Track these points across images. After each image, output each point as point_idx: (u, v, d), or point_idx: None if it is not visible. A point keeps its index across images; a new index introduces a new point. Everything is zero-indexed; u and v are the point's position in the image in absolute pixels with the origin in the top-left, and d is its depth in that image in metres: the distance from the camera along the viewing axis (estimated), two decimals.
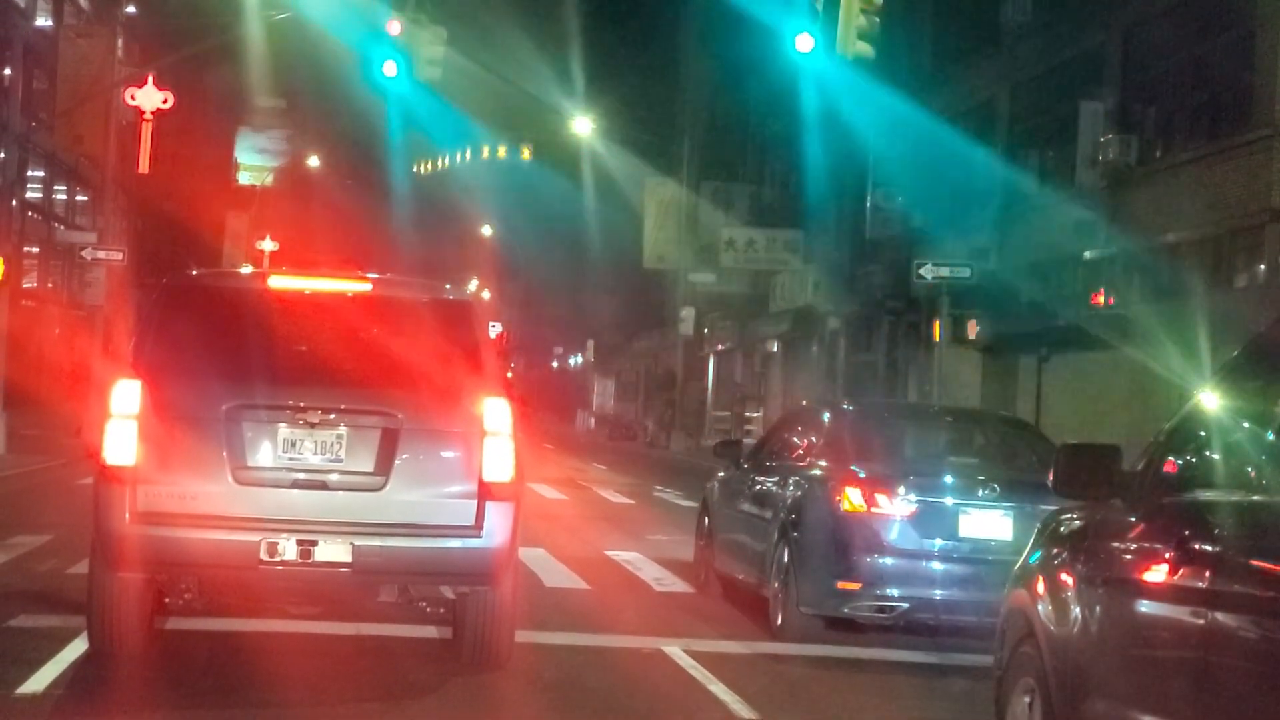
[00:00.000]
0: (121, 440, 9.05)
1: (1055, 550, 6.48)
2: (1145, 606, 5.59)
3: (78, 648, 9.74)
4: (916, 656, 11.32)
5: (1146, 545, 5.73)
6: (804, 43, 21.70)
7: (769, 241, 49.61)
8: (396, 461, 9.20)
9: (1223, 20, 28.28)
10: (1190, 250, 29.07)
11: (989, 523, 11.26)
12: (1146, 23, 31.20)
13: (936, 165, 39.50)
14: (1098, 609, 5.89)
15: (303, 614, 11.53)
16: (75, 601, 11.68)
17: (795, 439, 13.35)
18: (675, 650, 10.71)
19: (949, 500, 11.41)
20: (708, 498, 14.62)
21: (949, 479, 11.71)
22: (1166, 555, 5.48)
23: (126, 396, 9.13)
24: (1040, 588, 6.47)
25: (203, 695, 8.83)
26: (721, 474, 14.63)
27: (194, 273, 11.28)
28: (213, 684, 9.16)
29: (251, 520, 9.10)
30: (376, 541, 9.16)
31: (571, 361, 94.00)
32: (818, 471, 11.96)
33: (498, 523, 9.23)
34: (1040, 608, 6.40)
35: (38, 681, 8.75)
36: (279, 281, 10.51)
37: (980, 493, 11.38)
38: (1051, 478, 6.17)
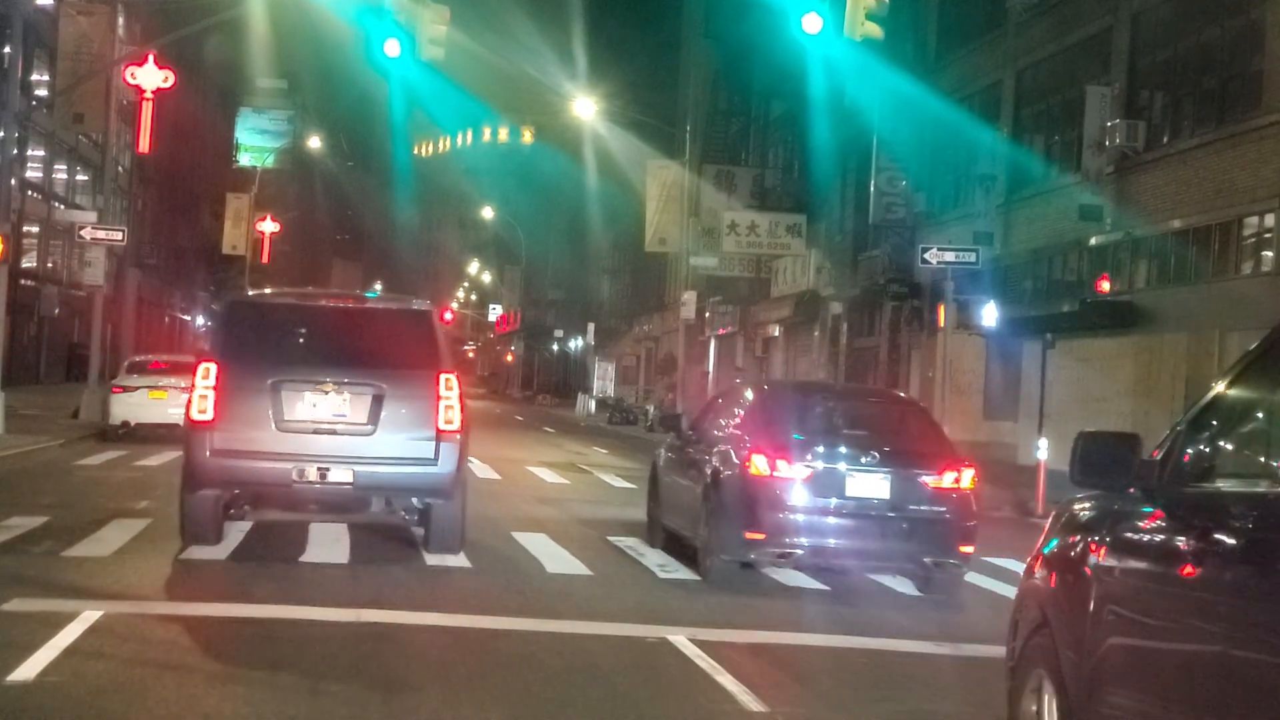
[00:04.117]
0: (204, 403, 13.34)
1: (1071, 540, 6.33)
2: (1166, 598, 5.42)
3: (73, 632, 9.55)
4: (926, 648, 11.13)
5: (1168, 536, 5.57)
6: (811, 23, 21.38)
7: (771, 225, 49.32)
8: (382, 416, 13.55)
9: (1232, 4, 28.02)
10: (1198, 236, 28.86)
11: (871, 484, 13.34)
12: (1154, 7, 30.95)
13: (941, 149, 39.30)
14: (1117, 601, 5.75)
15: (302, 599, 11.35)
16: (71, 585, 11.52)
17: (722, 414, 15.34)
18: (681, 639, 10.48)
19: (838, 465, 13.40)
20: (656, 464, 16.90)
21: (838, 448, 13.63)
22: (1189, 546, 5.33)
23: (207, 374, 13.44)
24: (1055, 578, 6.34)
25: (199, 684, 8.62)
26: (667, 443, 16.85)
27: (250, 292, 16.14)
28: (211, 671, 8.95)
29: (287, 454, 13.39)
30: (369, 469, 13.54)
31: (572, 345, 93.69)
32: (734, 442, 14.02)
33: (448, 456, 13.56)
34: (1055, 598, 6.28)
35: (29, 669, 8.52)
36: (306, 298, 15.19)
37: (864, 459, 13.42)
38: (1070, 466, 6.05)
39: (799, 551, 13.36)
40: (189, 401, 13.56)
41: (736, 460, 13.60)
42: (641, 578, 13.98)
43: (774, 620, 11.90)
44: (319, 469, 13.33)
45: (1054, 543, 6.53)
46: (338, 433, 13.43)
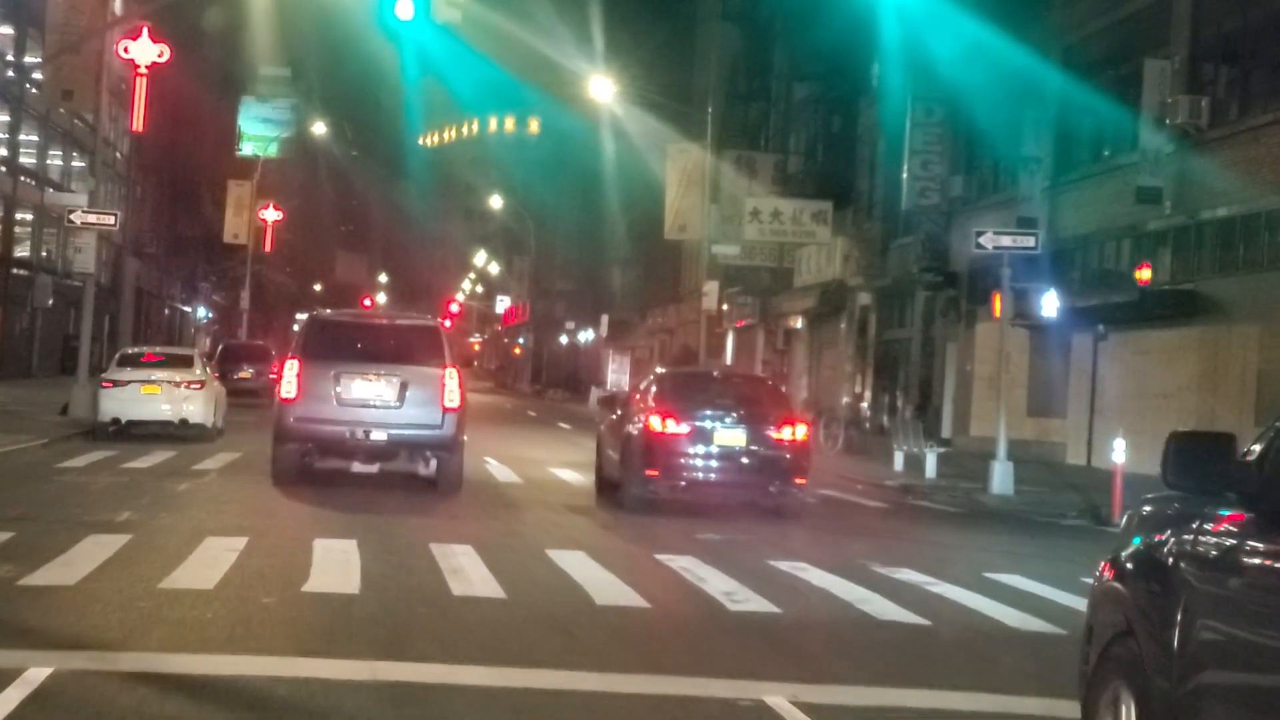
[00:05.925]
0: (290, 385, 19.74)
1: (1157, 539, 5.83)
2: (1272, 611, 4.89)
3: (10, 700, 7.49)
4: (1065, 710, 8.92)
5: (1273, 544, 5.08)
6: None
7: (796, 212, 47.04)
8: (406, 396, 19.86)
9: None
10: (1271, 220, 26.76)
11: (733, 436, 19.13)
12: None
13: (982, 129, 37.02)
14: (1214, 615, 5.24)
15: (304, 647, 9.25)
16: (22, 627, 9.45)
17: (640, 392, 21.03)
18: (780, 701, 8.33)
19: (711, 424, 19.15)
20: (600, 433, 22.42)
21: (710, 411, 19.33)
22: None
23: (292, 366, 19.90)
24: (1142, 582, 5.83)
25: None
26: (609, 417, 21.97)
27: (326, 311, 22.40)
28: None
29: (344, 421, 19.76)
30: (398, 431, 19.88)
31: (582, 337, 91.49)
32: (642, 410, 19.68)
33: (451, 423, 19.88)
34: (1140, 604, 5.77)
35: None
36: (358, 317, 23.15)
37: (726, 419, 19.23)
38: (1161, 468, 5.70)
39: (683, 484, 19.15)
40: (279, 384, 20.35)
41: (641, 422, 19.28)
42: (709, 611, 11.76)
43: (879, 669, 9.74)
44: (364, 431, 19.81)
45: (1136, 544, 6.05)
46: (377, 407, 19.84)
